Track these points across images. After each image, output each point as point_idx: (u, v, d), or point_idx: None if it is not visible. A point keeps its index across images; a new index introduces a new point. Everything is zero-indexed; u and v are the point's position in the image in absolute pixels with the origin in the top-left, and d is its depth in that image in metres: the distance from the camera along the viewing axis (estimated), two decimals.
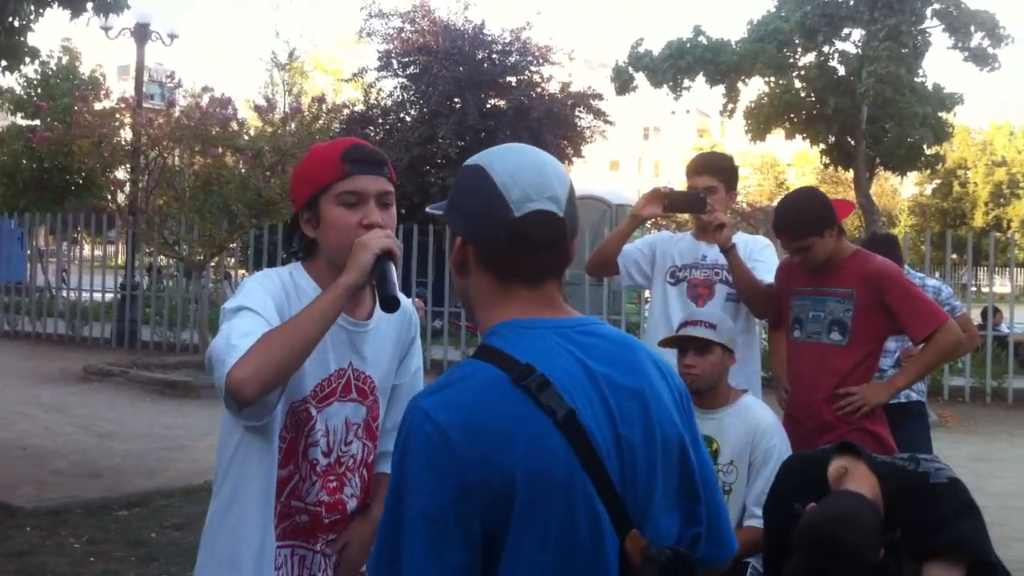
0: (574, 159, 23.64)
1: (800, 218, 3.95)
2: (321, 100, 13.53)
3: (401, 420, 1.52)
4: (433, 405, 1.48)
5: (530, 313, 1.59)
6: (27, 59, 9.53)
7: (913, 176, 36.46)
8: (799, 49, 22.80)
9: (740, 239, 4.37)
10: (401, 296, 2.44)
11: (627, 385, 1.59)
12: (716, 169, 4.46)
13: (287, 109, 13.93)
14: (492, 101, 21.81)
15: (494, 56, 22.19)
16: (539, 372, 1.49)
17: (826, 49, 22.73)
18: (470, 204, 1.60)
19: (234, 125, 12.62)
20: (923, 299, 4.00)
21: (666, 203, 4.29)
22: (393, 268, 2.16)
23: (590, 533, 1.48)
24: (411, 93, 22.53)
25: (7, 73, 9.32)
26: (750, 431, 3.77)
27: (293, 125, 12.81)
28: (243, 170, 12.39)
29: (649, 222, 5.40)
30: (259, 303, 2.14)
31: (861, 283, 3.93)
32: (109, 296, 17.61)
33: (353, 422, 2.33)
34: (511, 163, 1.60)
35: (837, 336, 3.94)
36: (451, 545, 1.43)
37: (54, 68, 23.66)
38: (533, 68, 22.40)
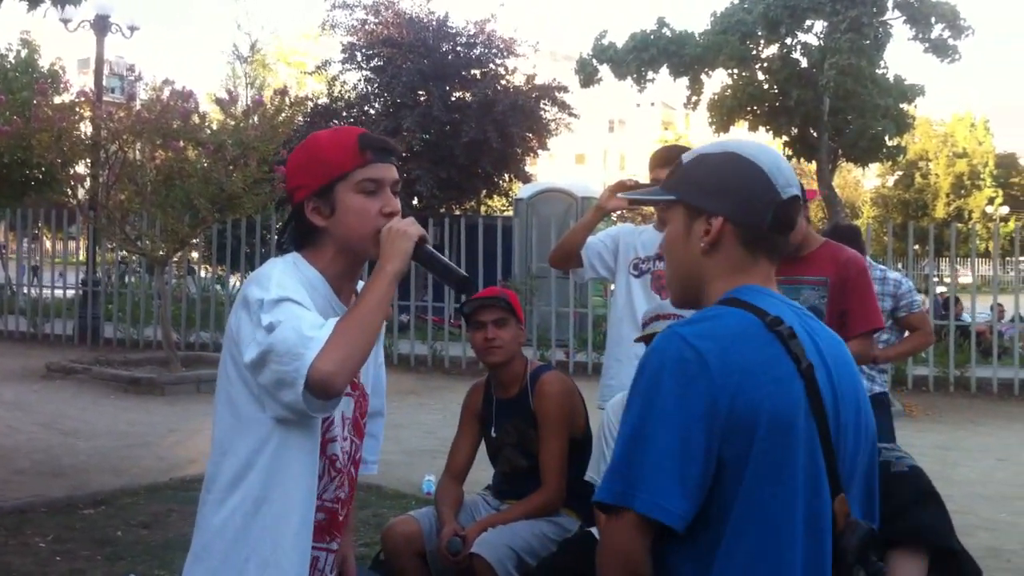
0: (539, 152, 23.66)
1: None
2: (284, 93, 13.42)
3: (651, 349, 1.65)
4: (692, 333, 1.63)
5: (768, 285, 1.79)
6: None
7: (875, 168, 36.82)
8: (762, 41, 22.91)
9: None
10: None
11: (845, 374, 1.75)
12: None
13: (249, 102, 13.81)
14: (457, 94, 21.78)
15: (459, 48, 22.15)
16: (787, 324, 1.68)
17: (789, 41, 22.85)
18: (737, 185, 1.76)
19: (196, 118, 12.50)
20: (875, 302, 4.20)
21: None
22: (435, 252, 2.20)
23: (811, 479, 1.62)
24: (375, 86, 22.45)
25: None
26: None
27: (256, 118, 12.70)
28: (205, 164, 12.27)
29: (614, 215, 5.40)
30: (299, 294, 2.07)
31: (834, 270, 4.02)
32: (71, 292, 17.42)
33: (347, 417, 2.30)
34: (768, 153, 1.79)
35: None
36: (693, 459, 1.56)
37: (12, 61, 23.33)
38: (498, 60, 22.39)
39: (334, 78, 23.29)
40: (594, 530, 3.75)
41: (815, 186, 22.64)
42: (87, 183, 13.61)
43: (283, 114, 12.81)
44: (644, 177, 4.89)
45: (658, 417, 1.57)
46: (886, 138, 23.09)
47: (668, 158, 4.48)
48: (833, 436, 1.66)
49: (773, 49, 23.05)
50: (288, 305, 2.03)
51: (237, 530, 2.11)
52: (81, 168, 13.59)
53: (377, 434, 2.59)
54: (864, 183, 54.07)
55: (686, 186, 1.80)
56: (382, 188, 2.20)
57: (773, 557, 1.58)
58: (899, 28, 22.91)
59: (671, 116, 74.49)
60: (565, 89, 22.36)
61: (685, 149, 4.87)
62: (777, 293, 1.79)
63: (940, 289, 18.50)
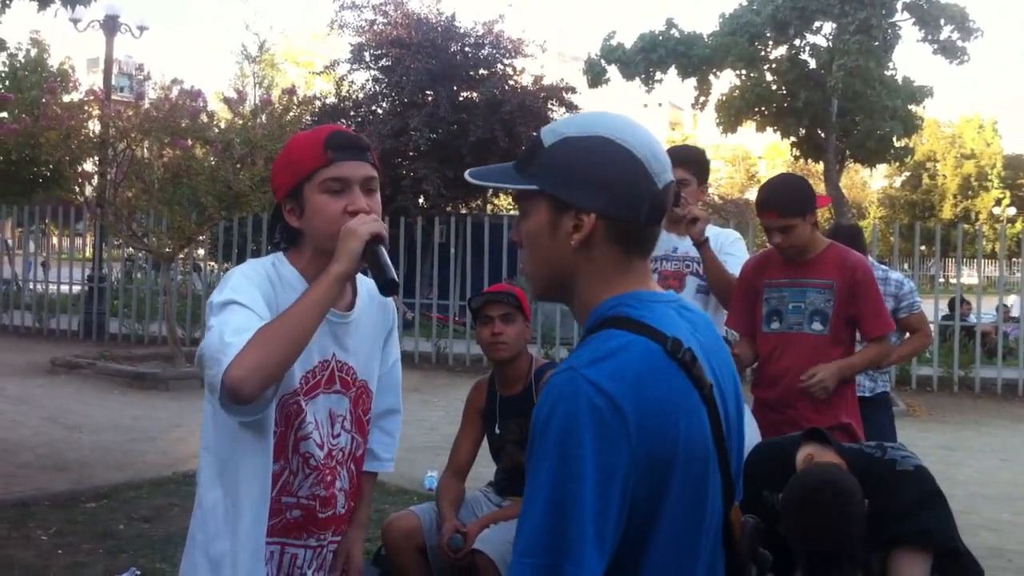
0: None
1: (788, 195, 4.00)
2: (292, 92, 13.45)
3: (549, 388, 1.47)
4: (600, 376, 1.44)
5: (646, 285, 1.62)
6: None
7: (882, 169, 36.74)
8: (770, 42, 22.93)
9: (711, 232, 4.39)
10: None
11: (725, 365, 1.66)
12: (688, 162, 4.47)
13: (257, 101, 13.85)
14: (464, 94, 21.79)
15: (466, 49, 22.16)
16: (686, 346, 1.52)
17: (797, 42, 22.86)
18: (613, 178, 1.56)
19: (204, 117, 12.53)
20: (883, 306, 4.20)
21: None
22: (384, 251, 2.13)
23: (713, 502, 1.55)
24: (383, 86, 22.47)
25: None
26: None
27: (263, 117, 12.74)
28: (212, 162, 12.31)
29: None
30: (247, 296, 2.09)
31: (840, 274, 4.02)
32: (77, 288, 17.46)
33: (337, 414, 2.30)
34: (641, 136, 1.60)
35: (819, 326, 4.02)
36: (611, 516, 1.42)
37: (22, 60, 23.43)
38: (505, 61, 22.39)
39: (342, 78, 23.31)
40: None
41: (823, 187, 22.63)
42: (95, 180, 13.65)
43: (291, 113, 12.84)
44: None
45: (577, 479, 1.40)
46: (894, 139, 23.08)
47: (677, 158, 4.47)
48: (727, 444, 1.59)
49: (782, 50, 23.06)
50: (231, 308, 2.05)
51: (207, 528, 2.22)
52: (89, 166, 13.65)
53: (393, 431, 2.60)
54: (871, 184, 53.99)
55: (551, 175, 1.58)
56: (348, 187, 2.17)
57: None
58: (908, 30, 22.95)
59: (679, 116, 74.46)
60: (573, 90, 22.36)
61: (694, 148, 4.89)
62: (657, 291, 1.63)
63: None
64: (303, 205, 2.19)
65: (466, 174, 1.68)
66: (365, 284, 2.34)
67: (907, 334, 5.58)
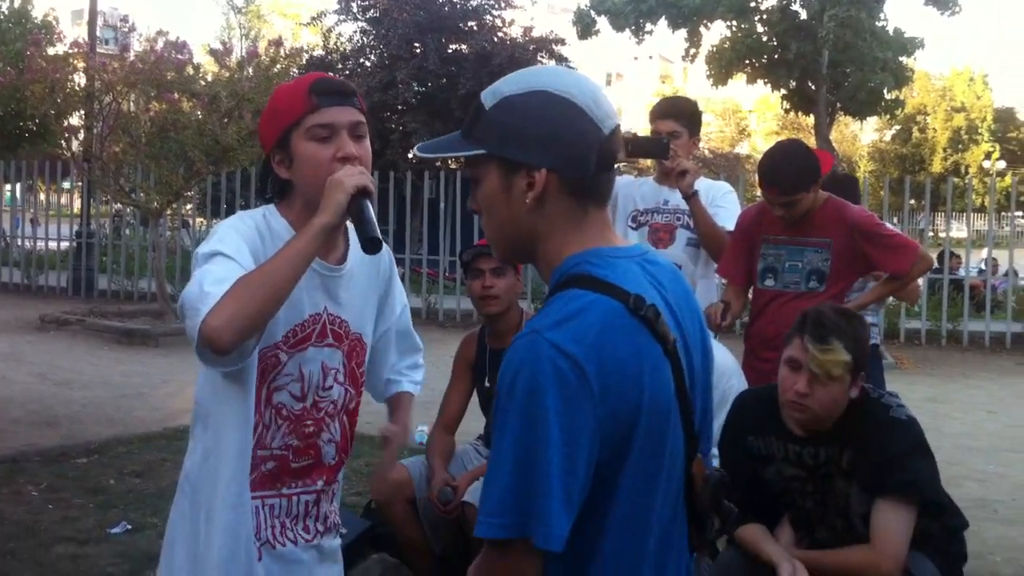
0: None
1: (795, 173, 3.95)
2: (279, 44, 13.32)
3: (513, 351, 1.47)
4: (562, 339, 1.45)
5: (606, 239, 1.62)
6: None
7: (873, 122, 36.76)
8: None
9: (702, 185, 4.37)
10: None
11: (692, 316, 1.67)
12: (680, 114, 4.44)
13: (244, 54, 13.71)
14: (453, 46, 21.60)
15: (455, 0, 21.94)
16: (649, 302, 1.52)
17: None
18: (559, 131, 1.55)
19: (190, 70, 12.43)
20: (897, 236, 4.19)
21: (629, 148, 4.25)
22: (370, 206, 2.09)
23: (673, 456, 1.56)
24: (371, 38, 22.27)
25: None
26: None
27: (250, 70, 12.62)
28: (199, 116, 12.21)
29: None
30: (233, 248, 2.07)
31: (838, 231, 4.01)
32: (65, 244, 17.39)
33: (330, 367, 2.29)
34: (581, 85, 1.59)
35: (815, 284, 4.05)
36: (577, 477, 1.44)
37: (5, 12, 23.14)
38: (495, 12, 22.19)
39: (329, 30, 23.09)
40: None
41: (813, 141, 22.58)
42: (81, 135, 13.54)
43: (278, 66, 12.73)
44: (642, 130, 4.87)
45: (543, 440, 1.41)
46: (884, 91, 23.00)
47: (669, 110, 4.46)
48: (690, 397, 1.60)
49: (772, 1, 22.87)
50: (215, 259, 2.04)
51: (192, 481, 2.25)
52: (75, 120, 13.53)
53: (419, 364, 2.68)
54: (861, 137, 53.88)
55: (498, 138, 1.58)
56: (336, 133, 2.13)
57: (639, 536, 1.54)
58: None
59: (669, 69, 74.02)
60: (562, 42, 22.18)
61: (686, 100, 4.86)
62: (618, 245, 1.63)
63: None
64: (291, 155, 2.16)
65: (414, 150, 1.68)
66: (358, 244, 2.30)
67: None
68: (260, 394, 2.20)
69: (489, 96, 1.61)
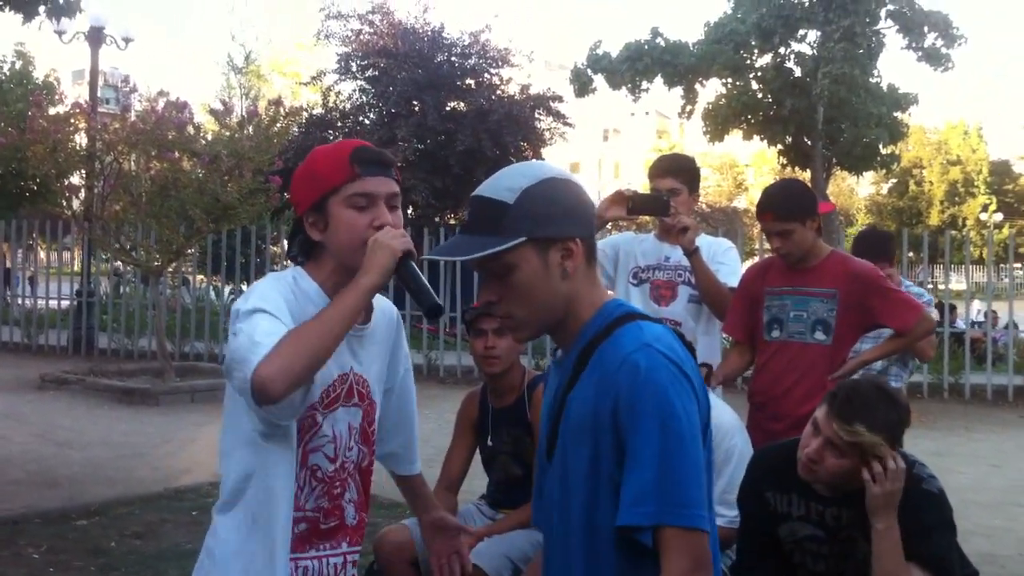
0: (534, 161, 23.69)
1: (787, 199, 4.00)
2: (278, 103, 13.42)
3: (644, 367, 1.73)
4: (666, 348, 1.76)
5: (605, 293, 1.94)
6: None
7: (869, 176, 36.93)
8: (755, 51, 23.01)
9: (703, 241, 4.38)
10: (388, 303, 2.47)
11: (694, 369, 1.96)
12: (679, 170, 4.47)
13: (244, 113, 13.82)
14: (452, 103, 21.81)
15: (453, 59, 22.20)
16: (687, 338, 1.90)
17: (782, 50, 22.96)
18: (577, 205, 1.85)
19: (191, 129, 12.49)
20: (902, 294, 4.17)
21: (630, 205, 4.28)
22: (419, 270, 2.16)
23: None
24: (370, 96, 22.49)
25: None
26: (711, 431, 3.78)
27: (251, 129, 12.70)
28: (200, 174, 12.27)
29: (611, 224, 5.41)
30: (274, 306, 2.10)
31: (843, 282, 3.99)
32: (65, 303, 17.38)
33: (355, 426, 2.31)
34: (560, 169, 1.91)
35: (821, 336, 4.00)
36: (704, 469, 1.78)
37: (7, 73, 23.37)
38: (492, 70, 22.43)
39: (329, 88, 23.31)
40: None
41: None
42: (82, 194, 13.60)
43: (278, 124, 12.81)
44: (639, 186, 4.91)
45: (683, 435, 1.71)
46: (880, 146, 23.19)
47: (668, 167, 4.49)
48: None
49: (767, 58, 23.15)
50: (258, 316, 2.07)
51: (238, 543, 2.21)
52: (76, 179, 13.58)
53: (415, 435, 2.68)
54: (858, 191, 54.16)
55: (531, 222, 1.81)
56: (374, 202, 2.18)
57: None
58: (892, 37, 23.06)
59: (665, 125, 74.64)
60: (560, 99, 22.40)
61: (684, 157, 4.89)
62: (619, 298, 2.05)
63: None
64: (327, 219, 2.19)
65: (432, 255, 1.98)
66: (378, 297, 2.32)
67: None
68: (297, 455, 2.21)
69: (504, 193, 1.82)
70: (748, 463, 3.39)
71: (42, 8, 8.96)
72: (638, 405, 1.70)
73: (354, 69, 22.69)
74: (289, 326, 2.06)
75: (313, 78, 24.40)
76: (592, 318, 1.85)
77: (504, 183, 1.84)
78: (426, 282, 2.16)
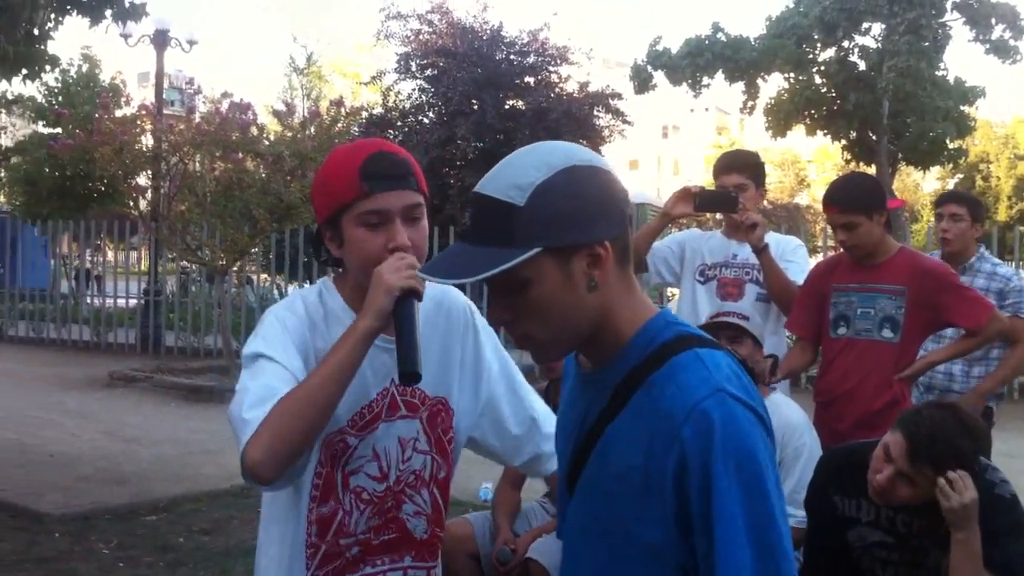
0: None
1: (853, 191, 3.95)
2: (340, 104, 13.54)
3: (704, 415, 1.40)
4: (737, 391, 1.43)
5: (650, 304, 1.58)
6: (47, 67, 9.58)
7: (935, 171, 36.26)
8: (818, 45, 22.72)
9: (772, 239, 4.33)
10: (451, 290, 2.23)
11: None
12: (744, 166, 4.42)
13: (306, 113, 13.94)
14: (510, 102, 21.82)
15: (512, 57, 22.20)
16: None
17: (846, 44, 22.63)
18: (605, 199, 1.49)
19: (254, 130, 12.63)
20: (974, 292, 4.13)
21: (697, 202, 4.24)
22: (416, 324, 1.92)
23: None
24: (429, 95, 22.57)
25: (27, 82, 9.35)
26: (779, 429, 3.73)
27: (312, 129, 12.82)
28: (263, 175, 12.41)
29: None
30: (279, 347, 1.98)
31: (912, 280, 3.91)
32: (133, 302, 17.69)
33: (407, 438, 2.14)
34: (585, 150, 1.54)
35: (889, 333, 3.93)
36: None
37: (74, 76, 23.80)
38: (551, 68, 22.39)
39: (388, 88, 23.44)
40: None
41: None
42: (148, 195, 13.82)
43: (339, 124, 12.92)
44: (701, 182, 4.86)
45: (771, 507, 1.40)
46: (947, 141, 22.76)
47: (734, 163, 4.44)
48: None
49: (830, 52, 22.84)
50: (258, 366, 1.96)
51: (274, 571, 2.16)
52: (142, 180, 13.81)
53: (547, 429, 2.36)
54: (924, 186, 53.25)
55: (546, 228, 1.44)
56: (388, 220, 1.98)
57: None
58: (959, 29, 22.62)
59: (725, 121, 74.01)
60: (619, 96, 22.29)
61: (750, 153, 4.83)
62: (666, 308, 1.64)
63: None
64: (342, 236, 2.03)
65: (426, 273, 1.52)
66: (426, 293, 2.08)
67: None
68: (335, 480, 2.08)
69: (513, 193, 1.46)
70: (815, 465, 3.34)
71: (108, 12, 9.08)
72: (715, 466, 1.38)
73: (413, 69, 22.80)
74: (293, 368, 1.95)
75: (373, 78, 24.55)
76: (635, 336, 1.51)
77: (511, 178, 1.47)
78: (418, 336, 1.91)
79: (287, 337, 2.00)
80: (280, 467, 1.86)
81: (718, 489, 1.37)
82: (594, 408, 1.53)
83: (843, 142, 23.37)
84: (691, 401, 1.40)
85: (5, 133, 37.21)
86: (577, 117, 21.27)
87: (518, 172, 1.47)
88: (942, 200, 5.30)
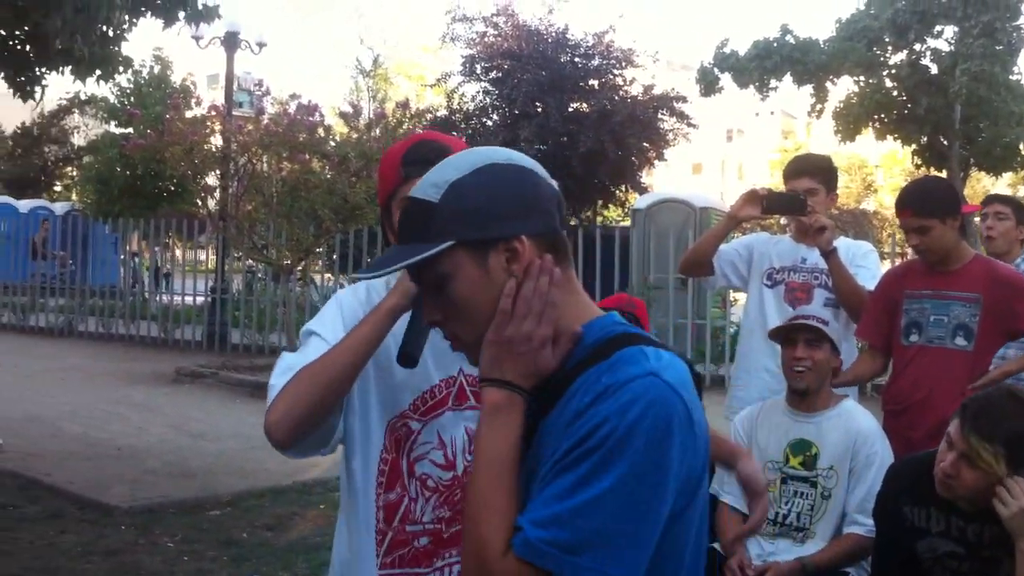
0: (656, 162, 23.50)
1: (926, 194, 3.87)
2: (405, 106, 13.64)
3: (633, 391, 1.37)
4: (676, 382, 1.41)
5: (593, 305, 1.56)
6: (121, 69, 9.73)
7: (1008, 177, 35.52)
8: (890, 47, 22.35)
9: (842, 243, 4.26)
10: None
11: None
12: (816, 170, 4.36)
13: (372, 115, 14.07)
14: (574, 104, 21.76)
15: (576, 60, 22.14)
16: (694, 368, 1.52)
17: (918, 47, 22.24)
18: (523, 195, 1.49)
19: (320, 131, 12.78)
20: None
21: (764, 204, 4.19)
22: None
23: (704, 523, 1.53)
24: (494, 97, 22.61)
25: (101, 82, 9.51)
26: (851, 436, 3.68)
27: (378, 131, 12.93)
28: (329, 176, 12.54)
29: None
30: (329, 325, 2.04)
31: (987, 287, 3.82)
32: (200, 299, 17.95)
33: (473, 430, 2.11)
34: (516, 153, 1.56)
35: (962, 341, 3.84)
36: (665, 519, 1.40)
37: (146, 77, 24.21)
38: (616, 71, 22.30)
39: (453, 90, 23.52)
40: (716, 545, 3.68)
41: None
42: (217, 194, 14.04)
43: (404, 126, 13.01)
44: (767, 185, 4.80)
45: (660, 489, 1.36)
46: (1020, 146, 22.26)
47: (804, 167, 4.38)
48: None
49: (901, 55, 22.46)
50: (308, 341, 2.05)
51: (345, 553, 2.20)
52: (211, 180, 14.03)
53: None
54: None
55: (463, 223, 1.46)
56: None
57: None
58: None
59: (791, 125, 73.20)
60: (684, 99, 22.14)
61: (821, 157, 4.76)
62: (612, 312, 1.57)
63: None
64: (392, 222, 2.09)
65: (356, 274, 1.60)
66: None
67: None
68: (400, 466, 2.11)
69: (430, 190, 1.49)
70: (884, 476, 3.28)
71: (181, 14, 9.21)
72: (609, 435, 1.34)
73: (478, 71, 22.85)
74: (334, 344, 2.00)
75: (438, 80, 24.66)
76: (576, 343, 1.50)
77: (432, 178, 1.50)
78: (421, 324, 1.91)
79: (339, 317, 2.07)
80: (294, 431, 1.93)
81: (610, 452, 1.34)
82: (533, 406, 1.50)
83: (914, 147, 22.96)
84: (633, 377, 1.39)
85: (78, 133, 38.07)
86: (641, 120, 21.15)
87: (439, 172, 1.51)
88: (988, 200, 5.35)
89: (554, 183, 1.55)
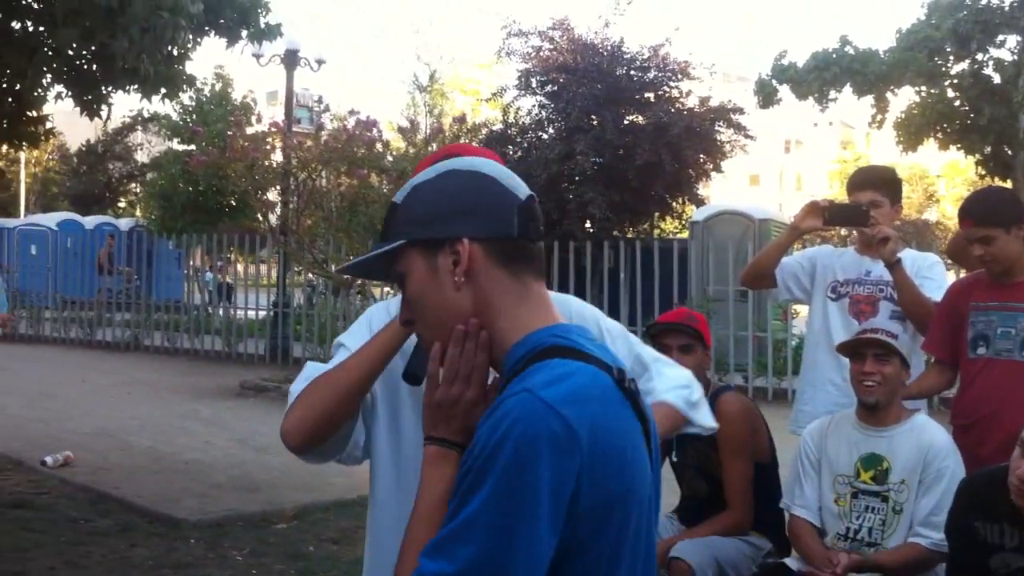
0: (713, 173, 23.38)
1: (990, 203, 3.83)
2: (462, 120, 13.73)
3: (503, 410, 1.35)
4: (557, 398, 1.33)
5: (556, 318, 1.53)
6: (185, 87, 9.92)
7: None
8: (951, 57, 22.06)
9: (907, 255, 4.23)
10: (573, 301, 2.24)
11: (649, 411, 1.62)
12: (879, 183, 4.33)
13: (429, 130, 14.18)
14: (630, 117, 21.72)
15: (632, 72, 22.10)
16: (630, 376, 1.47)
17: (980, 57, 21.91)
18: (477, 200, 1.52)
19: (379, 147, 12.90)
20: None
21: (826, 216, 4.18)
22: None
23: (646, 546, 1.48)
24: (549, 111, 22.63)
25: (166, 101, 9.70)
26: (923, 450, 3.65)
27: (435, 145, 13.01)
28: (387, 190, 12.64)
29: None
30: (356, 338, 2.11)
31: None
32: (262, 313, 18.17)
33: None
34: (487, 161, 1.60)
35: None
36: (545, 556, 1.32)
37: (208, 95, 24.59)
38: (672, 83, 22.23)
39: (508, 105, 23.60)
40: (789, 560, 3.67)
41: None
42: (277, 209, 14.21)
43: (461, 140, 13.08)
44: (827, 197, 4.79)
45: (531, 513, 1.30)
46: None
47: (868, 179, 4.36)
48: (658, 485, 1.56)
49: (963, 65, 22.15)
50: (337, 352, 2.12)
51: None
52: (272, 195, 14.22)
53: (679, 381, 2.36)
54: None
55: (414, 223, 1.53)
56: None
57: None
58: None
59: (850, 135, 72.37)
60: (741, 111, 22.00)
61: (885, 168, 4.74)
62: (575, 325, 1.54)
63: None
64: None
65: (338, 271, 1.66)
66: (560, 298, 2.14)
67: None
68: None
69: (399, 194, 1.60)
70: (956, 491, 3.25)
71: (244, 33, 9.37)
72: (480, 461, 1.32)
73: (534, 85, 22.90)
74: None
75: (494, 95, 24.75)
76: (515, 345, 1.48)
77: (409, 182, 1.61)
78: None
79: (367, 330, 2.13)
80: (306, 437, 1.99)
81: (478, 473, 1.32)
82: None
83: (977, 156, 22.61)
84: (507, 396, 1.37)
85: (141, 150, 38.79)
86: (698, 132, 21.05)
87: (417, 176, 1.60)
88: None
89: (527, 193, 1.56)
